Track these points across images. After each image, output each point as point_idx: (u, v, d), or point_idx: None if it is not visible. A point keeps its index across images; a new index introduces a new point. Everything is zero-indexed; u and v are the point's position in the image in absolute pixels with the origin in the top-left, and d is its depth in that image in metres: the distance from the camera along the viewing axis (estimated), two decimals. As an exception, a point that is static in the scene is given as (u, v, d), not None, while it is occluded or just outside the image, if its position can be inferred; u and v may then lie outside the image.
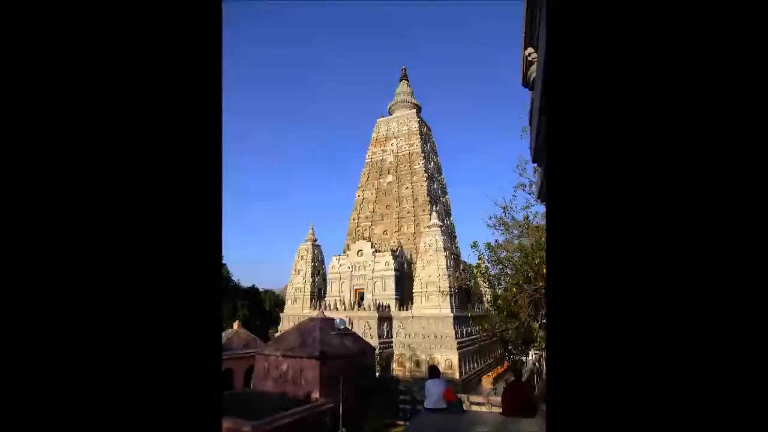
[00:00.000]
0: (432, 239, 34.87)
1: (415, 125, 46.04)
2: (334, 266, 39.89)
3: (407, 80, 52.34)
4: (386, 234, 42.66)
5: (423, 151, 44.53)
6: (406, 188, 43.14)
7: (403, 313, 34.06)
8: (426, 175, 43.12)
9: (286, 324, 37.30)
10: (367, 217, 44.22)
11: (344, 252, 40.80)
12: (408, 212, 42.26)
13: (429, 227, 36.16)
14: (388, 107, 50.77)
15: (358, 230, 43.72)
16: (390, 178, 44.67)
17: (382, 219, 43.55)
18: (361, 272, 37.84)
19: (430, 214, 38.35)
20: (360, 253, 38.42)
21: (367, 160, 47.40)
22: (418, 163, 43.80)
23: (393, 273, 36.25)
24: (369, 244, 38.84)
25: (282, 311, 41.76)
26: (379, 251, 38.06)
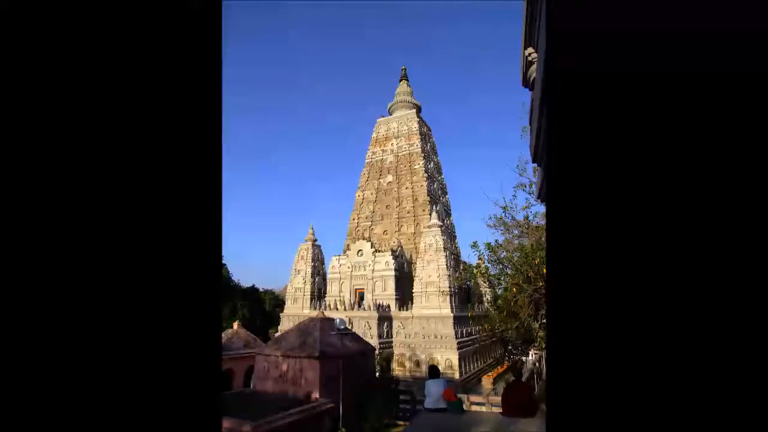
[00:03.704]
0: (432, 239, 34.85)
1: (415, 125, 46.06)
2: (334, 266, 39.88)
3: (407, 80, 52.39)
4: (386, 234, 42.66)
5: (423, 151, 44.54)
6: (406, 188, 43.14)
7: (403, 313, 34.05)
8: (426, 175, 43.13)
9: (286, 324, 37.29)
10: (367, 217, 44.22)
11: (344, 252, 40.79)
12: (408, 212, 42.26)
13: (429, 227, 36.14)
14: (388, 107, 50.81)
15: (358, 230, 43.71)
16: (390, 178, 44.67)
17: (382, 219, 43.55)
18: (361, 272, 37.84)
19: (430, 214, 38.34)
20: (360, 253, 38.42)
21: (367, 160, 47.42)
22: (418, 163, 43.81)
23: (393, 273, 36.24)
24: (369, 244, 38.83)
25: (282, 311, 41.75)
26: (379, 251, 38.05)
